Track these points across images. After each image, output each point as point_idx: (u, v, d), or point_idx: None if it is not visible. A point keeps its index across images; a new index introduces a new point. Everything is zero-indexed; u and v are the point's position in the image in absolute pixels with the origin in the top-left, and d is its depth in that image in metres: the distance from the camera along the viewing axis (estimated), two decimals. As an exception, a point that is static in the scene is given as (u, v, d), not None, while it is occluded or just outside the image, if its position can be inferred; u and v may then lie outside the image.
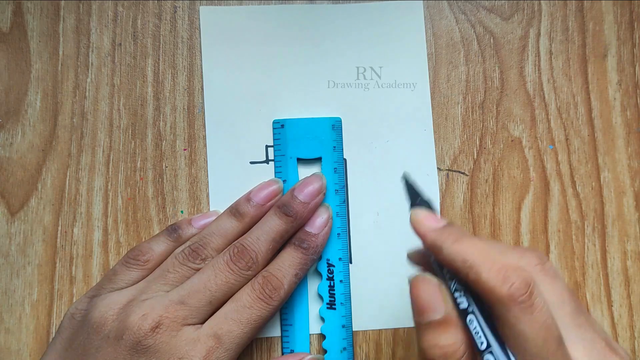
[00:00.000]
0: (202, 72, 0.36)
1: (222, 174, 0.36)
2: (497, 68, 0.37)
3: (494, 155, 0.37)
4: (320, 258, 0.35)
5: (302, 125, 0.35)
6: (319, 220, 0.33)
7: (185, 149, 0.36)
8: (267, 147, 0.36)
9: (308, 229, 0.33)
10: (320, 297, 0.35)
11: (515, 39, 0.38)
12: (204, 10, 0.37)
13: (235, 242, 0.32)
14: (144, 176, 0.36)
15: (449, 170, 0.36)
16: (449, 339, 0.24)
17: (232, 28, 0.37)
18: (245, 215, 0.33)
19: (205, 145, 0.36)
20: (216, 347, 0.29)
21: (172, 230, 0.33)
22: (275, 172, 0.35)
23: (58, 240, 0.35)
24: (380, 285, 0.35)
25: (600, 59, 0.38)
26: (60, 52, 0.36)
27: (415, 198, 0.29)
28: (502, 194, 0.36)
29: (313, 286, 0.35)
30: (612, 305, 0.36)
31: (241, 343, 0.30)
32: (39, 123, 0.36)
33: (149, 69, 0.36)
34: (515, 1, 0.38)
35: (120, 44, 0.37)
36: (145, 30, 0.37)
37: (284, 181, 0.35)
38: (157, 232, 0.35)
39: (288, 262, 0.32)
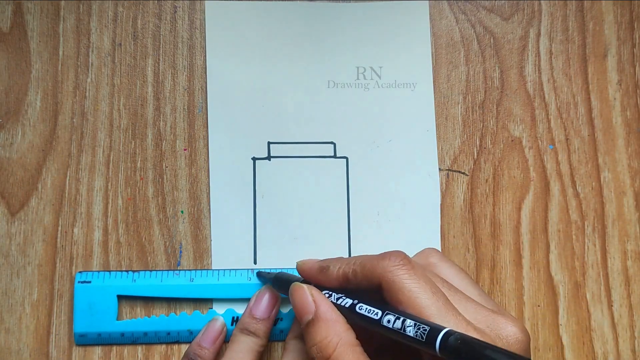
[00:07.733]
0: (202, 71, 0.36)
1: (224, 169, 0.36)
2: (497, 68, 0.37)
3: (494, 155, 0.37)
4: None
5: None
6: None
7: (185, 149, 0.36)
8: (269, 143, 0.36)
9: None
10: None
11: (515, 39, 0.38)
12: (210, 5, 0.37)
13: None
14: (144, 176, 0.36)
15: (449, 170, 0.36)
16: (319, 335, 0.27)
17: (236, 23, 0.37)
18: None
19: (205, 146, 0.36)
20: None
21: None
22: None
23: (58, 240, 0.35)
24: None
25: (600, 59, 0.38)
26: (60, 52, 0.36)
27: (288, 283, 0.30)
28: (502, 194, 0.36)
29: None
30: (612, 305, 0.36)
31: None
32: (39, 123, 0.36)
33: (149, 69, 0.36)
34: (515, 1, 0.38)
35: (120, 44, 0.37)
36: (145, 30, 0.37)
37: None
38: (157, 232, 0.35)
39: None
